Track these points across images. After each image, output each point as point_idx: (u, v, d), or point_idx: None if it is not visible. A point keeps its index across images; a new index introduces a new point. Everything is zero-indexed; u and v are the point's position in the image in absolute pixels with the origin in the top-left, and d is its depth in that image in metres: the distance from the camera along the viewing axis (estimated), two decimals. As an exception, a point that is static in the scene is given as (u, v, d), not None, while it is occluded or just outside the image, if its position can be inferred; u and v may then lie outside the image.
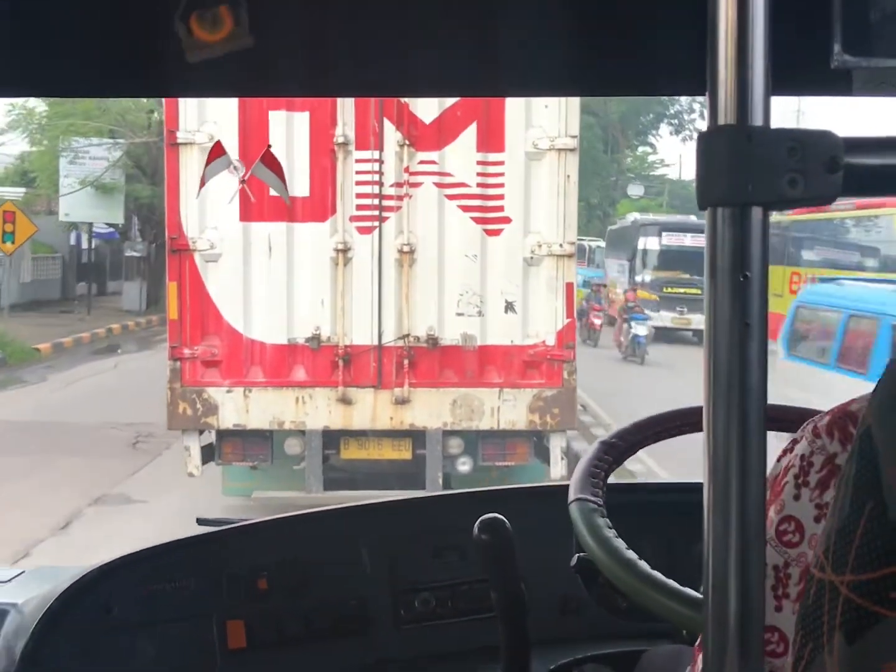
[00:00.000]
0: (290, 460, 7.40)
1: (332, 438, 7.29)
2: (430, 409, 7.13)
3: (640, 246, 23.49)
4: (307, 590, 1.91)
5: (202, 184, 6.82)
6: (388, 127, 6.98)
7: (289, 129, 6.93)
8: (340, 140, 6.95)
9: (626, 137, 37.73)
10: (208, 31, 1.03)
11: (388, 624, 1.93)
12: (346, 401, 7.11)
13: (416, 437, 7.26)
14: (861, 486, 0.77)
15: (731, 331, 0.66)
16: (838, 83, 0.95)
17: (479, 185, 7.00)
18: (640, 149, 40.60)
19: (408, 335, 7.05)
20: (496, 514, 1.46)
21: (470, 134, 6.97)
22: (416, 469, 7.26)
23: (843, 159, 0.67)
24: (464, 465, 7.33)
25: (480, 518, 1.46)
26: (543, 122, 6.97)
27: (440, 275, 7.07)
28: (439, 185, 7.00)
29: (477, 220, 7.02)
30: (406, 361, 7.08)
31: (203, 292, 7.05)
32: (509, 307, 7.06)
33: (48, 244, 26.62)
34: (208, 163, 6.76)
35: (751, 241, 0.66)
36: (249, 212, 6.98)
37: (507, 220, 7.03)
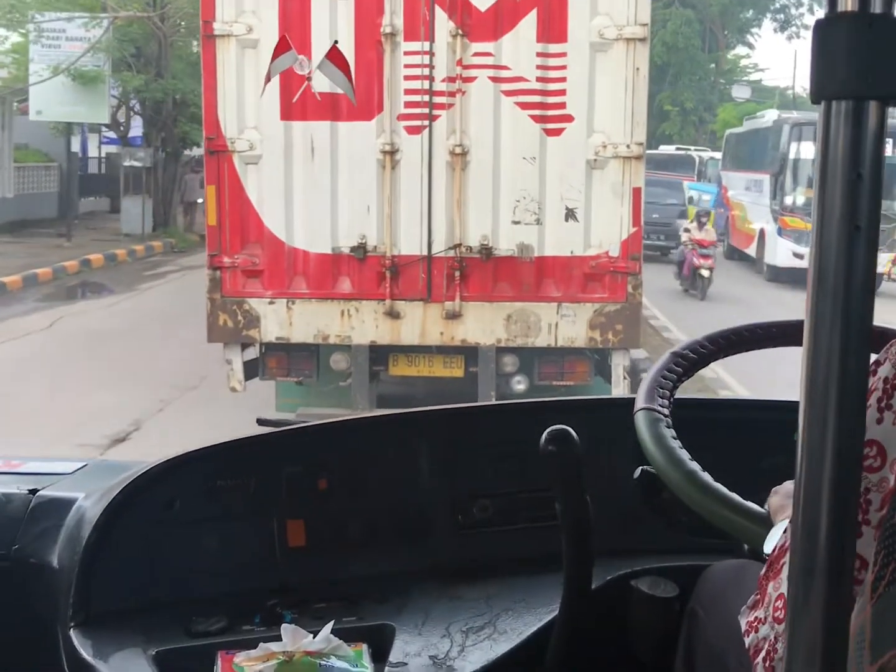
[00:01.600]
0: (336, 376, 7.05)
1: (379, 354, 6.90)
2: (483, 324, 6.65)
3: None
4: (366, 492, 1.92)
5: (267, 80, 6.37)
6: (440, 15, 6.36)
7: (332, 18, 6.38)
8: (388, 30, 6.36)
9: (725, 35, 35.83)
10: None
11: (445, 529, 1.96)
12: (393, 315, 6.67)
13: (469, 353, 6.82)
14: None
15: (839, 233, 0.65)
16: None
17: (538, 79, 6.35)
18: (732, 52, 38.46)
19: (459, 245, 6.54)
20: (564, 426, 1.42)
21: (529, 23, 6.32)
22: (468, 387, 6.82)
23: None
24: (519, 385, 6.88)
25: (549, 429, 1.43)
26: (611, 9, 6.28)
27: (495, 179, 6.49)
28: (495, 80, 6.39)
29: (536, 119, 6.40)
30: (457, 273, 6.57)
31: (243, 197, 6.64)
32: (570, 214, 6.49)
33: (41, 151, 21.75)
34: (274, 58, 6.32)
35: (867, 138, 0.64)
36: (291, 110, 6.49)
37: (569, 118, 6.39)
